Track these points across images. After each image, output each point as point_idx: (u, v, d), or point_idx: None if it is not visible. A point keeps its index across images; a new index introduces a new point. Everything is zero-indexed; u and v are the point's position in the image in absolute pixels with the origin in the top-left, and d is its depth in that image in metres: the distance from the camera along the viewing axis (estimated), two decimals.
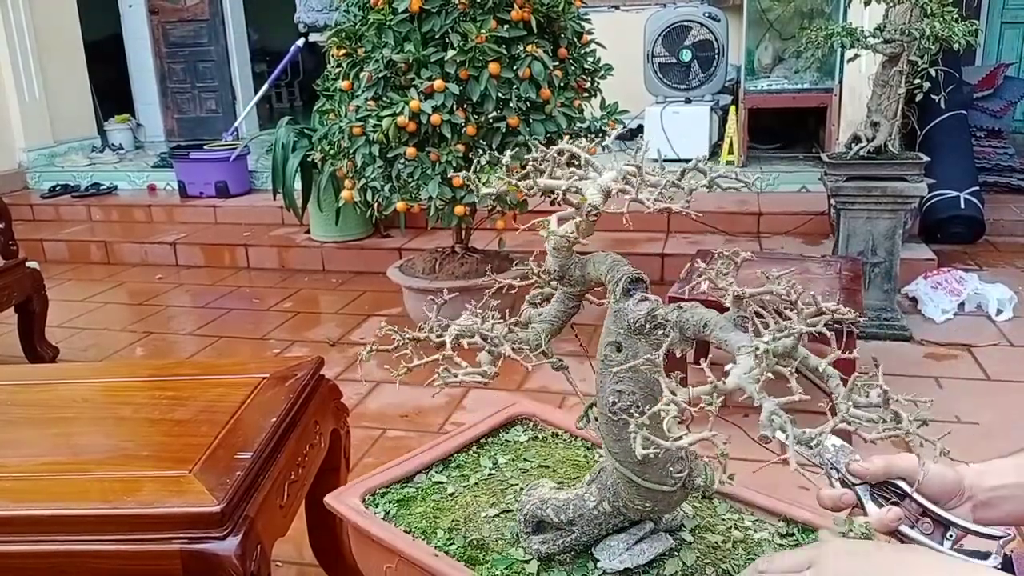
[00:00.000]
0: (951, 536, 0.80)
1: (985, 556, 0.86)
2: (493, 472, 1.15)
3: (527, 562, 0.93)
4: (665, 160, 0.94)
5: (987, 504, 0.87)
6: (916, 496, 0.82)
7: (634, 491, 0.85)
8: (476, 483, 1.13)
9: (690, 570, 0.93)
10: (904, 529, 0.81)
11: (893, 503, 0.82)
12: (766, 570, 0.80)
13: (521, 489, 1.06)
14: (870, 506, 0.82)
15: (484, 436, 1.25)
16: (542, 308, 0.95)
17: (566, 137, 2.85)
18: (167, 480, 1.24)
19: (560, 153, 0.87)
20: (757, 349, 0.67)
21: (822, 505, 0.87)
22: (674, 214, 0.76)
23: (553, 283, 0.92)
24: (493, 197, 2.80)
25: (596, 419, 0.90)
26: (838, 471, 0.84)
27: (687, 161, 0.82)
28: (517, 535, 0.97)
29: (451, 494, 1.10)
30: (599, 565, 0.92)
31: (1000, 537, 0.75)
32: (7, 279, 3.01)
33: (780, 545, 0.99)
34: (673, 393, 0.66)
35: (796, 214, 4.23)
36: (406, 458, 1.18)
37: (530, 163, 0.87)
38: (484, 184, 0.95)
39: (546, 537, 0.92)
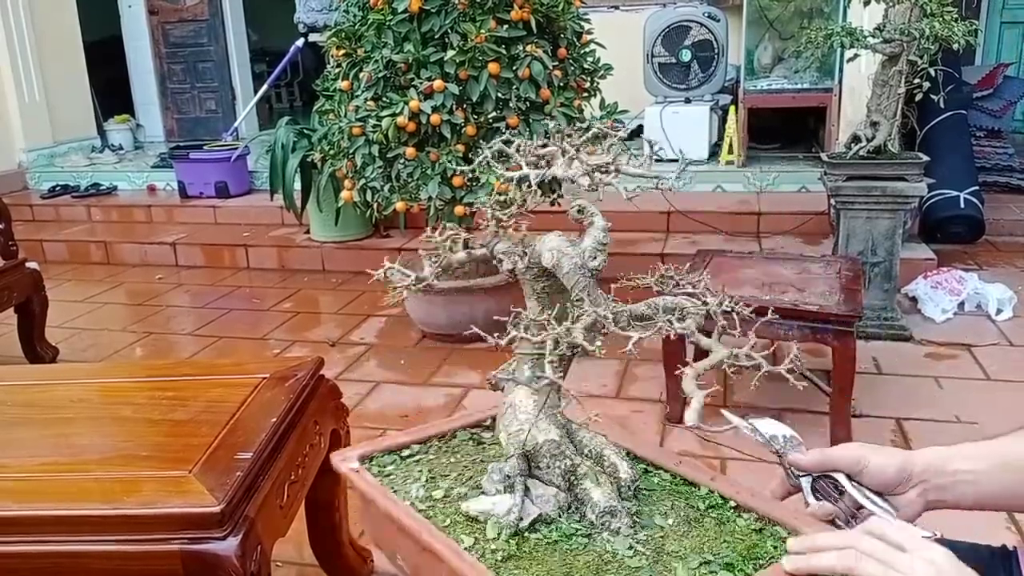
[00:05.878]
0: None
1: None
2: None
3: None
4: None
5: (943, 488, 0.86)
6: (852, 491, 0.84)
7: None
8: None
9: None
10: (840, 524, 0.83)
11: (834, 497, 0.84)
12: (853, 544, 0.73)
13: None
14: (810, 499, 0.85)
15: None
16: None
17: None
18: (167, 480, 1.24)
19: (587, 129, 0.89)
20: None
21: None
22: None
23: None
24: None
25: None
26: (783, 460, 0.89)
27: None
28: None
29: None
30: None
31: (929, 537, 0.75)
32: (7, 279, 3.01)
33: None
34: None
35: (796, 214, 4.23)
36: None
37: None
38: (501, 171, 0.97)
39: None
